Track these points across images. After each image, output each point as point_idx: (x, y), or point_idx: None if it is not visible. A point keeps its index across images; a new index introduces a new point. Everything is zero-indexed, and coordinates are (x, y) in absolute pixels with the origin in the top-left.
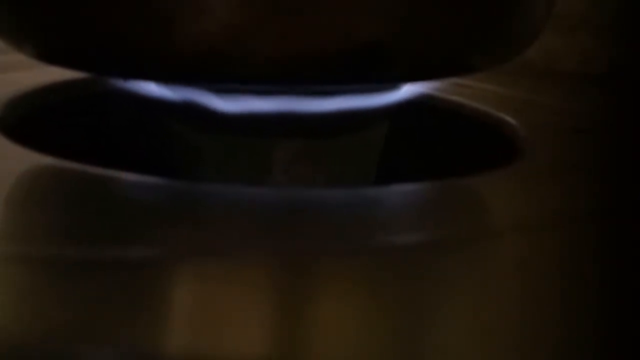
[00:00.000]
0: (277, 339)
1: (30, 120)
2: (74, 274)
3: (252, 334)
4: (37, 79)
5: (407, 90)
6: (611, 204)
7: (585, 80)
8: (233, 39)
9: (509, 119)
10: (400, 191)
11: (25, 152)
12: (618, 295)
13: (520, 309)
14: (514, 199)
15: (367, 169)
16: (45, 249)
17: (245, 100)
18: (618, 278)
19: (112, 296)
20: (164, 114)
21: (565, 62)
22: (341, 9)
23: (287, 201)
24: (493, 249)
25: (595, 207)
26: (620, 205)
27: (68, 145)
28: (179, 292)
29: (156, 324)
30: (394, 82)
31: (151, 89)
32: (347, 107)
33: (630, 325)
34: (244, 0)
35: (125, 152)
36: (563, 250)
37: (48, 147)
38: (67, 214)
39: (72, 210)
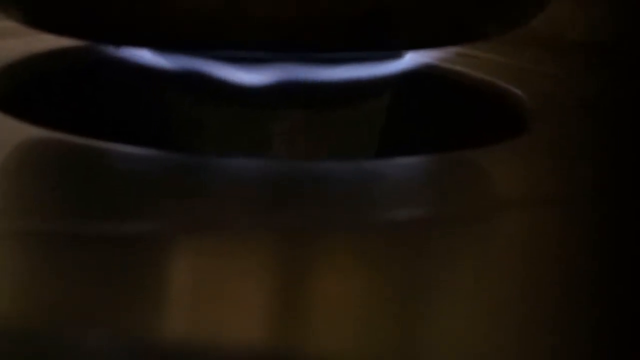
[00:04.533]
0: (277, 315)
1: (22, 90)
2: (68, 249)
3: (252, 310)
4: (28, 47)
5: (410, 60)
6: (614, 180)
7: (591, 49)
8: (230, 3)
9: (513, 89)
10: (402, 164)
11: (17, 124)
12: (619, 272)
13: (521, 284)
14: (518, 173)
15: (369, 141)
16: (39, 224)
17: (245, 69)
18: (620, 254)
19: (108, 272)
20: (161, 84)
21: (572, 31)
22: None
23: (288, 174)
24: (496, 223)
25: (598, 183)
26: (623, 182)
27: (61, 116)
28: (177, 267)
29: (153, 300)
30: (397, 49)
31: (146, 57)
32: (349, 76)
33: (628, 301)
34: None
35: (122, 123)
36: (565, 225)
37: (41, 118)
38: (61, 187)
39: (67, 184)
